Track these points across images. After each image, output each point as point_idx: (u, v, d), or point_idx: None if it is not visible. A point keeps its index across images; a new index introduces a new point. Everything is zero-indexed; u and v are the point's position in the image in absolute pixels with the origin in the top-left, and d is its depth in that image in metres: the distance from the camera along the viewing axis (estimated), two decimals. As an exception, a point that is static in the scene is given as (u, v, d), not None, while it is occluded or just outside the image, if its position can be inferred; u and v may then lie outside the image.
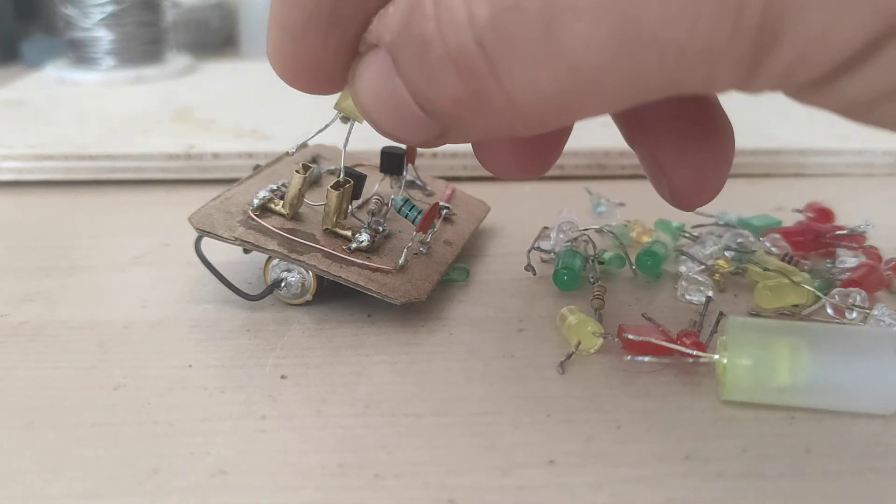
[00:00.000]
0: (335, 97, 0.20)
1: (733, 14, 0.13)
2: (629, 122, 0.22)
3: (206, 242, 0.26)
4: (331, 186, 0.26)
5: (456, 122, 0.16)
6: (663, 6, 0.13)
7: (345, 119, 0.22)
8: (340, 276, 0.25)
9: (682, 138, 0.21)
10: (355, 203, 0.29)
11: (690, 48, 0.13)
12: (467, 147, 0.23)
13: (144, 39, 0.61)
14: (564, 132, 0.22)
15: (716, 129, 0.22)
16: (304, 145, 0.33)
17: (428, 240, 0.28)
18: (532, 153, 0.22)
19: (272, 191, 0.27)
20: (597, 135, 0.38)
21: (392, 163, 0.29)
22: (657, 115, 0.21)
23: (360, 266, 0.25)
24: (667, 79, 0.14)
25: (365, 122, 0.21)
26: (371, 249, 0.26)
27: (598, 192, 0.36)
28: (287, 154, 0.26)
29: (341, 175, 0.26)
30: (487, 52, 0.15)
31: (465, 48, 0.15)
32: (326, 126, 0.24)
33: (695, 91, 0.15)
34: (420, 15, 0.15)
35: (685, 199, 0.22)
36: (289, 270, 0.26)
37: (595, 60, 0.14)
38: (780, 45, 0.13)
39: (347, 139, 0.24)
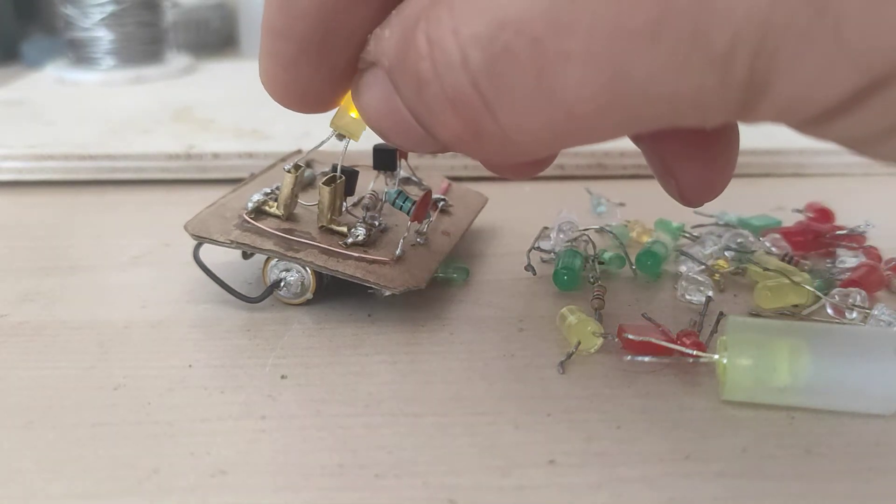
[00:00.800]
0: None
1: (720, 68, 0.13)
2: None
3: (206, 246, 0.26)
4: (322, 182, 0.26)
5: (454, 147, 0.17)
6: (649, 59, 0.13)
7: (340, 136, 0.22)
8: (338, 271, 0.25)
9: (688, 140, 0.21)
10: (350, 200, 0.28)
11: (680, 95, 0.14)
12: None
13: (144, 39, 0.61)
14: None
15: (722, 130, 0.22)
16: (298, 152, 0.33)
17: (425, 230, 0.28)
18: None
19: (266, 194, 0.27)
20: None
21: (385, 159, 0.29)
22: None
23: (358, 259, 0.25)
24: (659, 118, 0.15)
25: (360, 140, 0.21)
26: (368, 244, 0.26)
27: (598, 192, 0.36)
28: (284, 170, 0.27)
29: (337, 170, 0.26)
30: (482, 94, 0.15)
31: (461, 89, 0.15)
32: (322, 143, 0.24)
33: (688, 127, 0.15)
34: (415, 51, 0.15)
35: (693, 197, 0.22)
36: (287, 270, 0.26)
37: (588, 106, 0.14)
38: (769, 94, 0.14)
39: (343, 156, 0.24)
